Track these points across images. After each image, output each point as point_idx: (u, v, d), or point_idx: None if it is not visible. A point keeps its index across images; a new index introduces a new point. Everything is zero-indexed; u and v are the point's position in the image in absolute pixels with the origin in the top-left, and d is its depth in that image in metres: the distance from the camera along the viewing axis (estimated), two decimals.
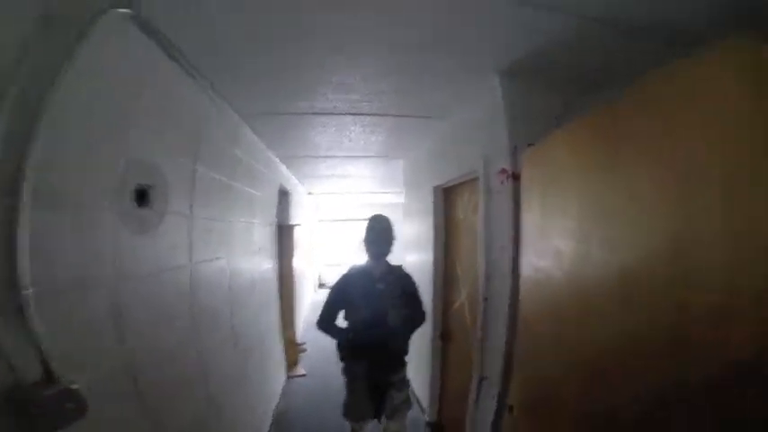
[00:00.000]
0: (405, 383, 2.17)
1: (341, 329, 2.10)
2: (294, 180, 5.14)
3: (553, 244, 1.33)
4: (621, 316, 0.99)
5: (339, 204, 9.20)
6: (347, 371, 2.14)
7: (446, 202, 2.90)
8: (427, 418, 3.12)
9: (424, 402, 3.22)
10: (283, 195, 4.09)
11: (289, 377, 4.15)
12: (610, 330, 1.04)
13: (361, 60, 1.64)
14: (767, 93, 0.67)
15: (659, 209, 0.87)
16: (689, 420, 0.81)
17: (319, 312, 2.13)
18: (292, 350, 4.34)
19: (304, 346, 4.79)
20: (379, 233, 2.13)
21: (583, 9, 1.23)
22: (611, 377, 1.04)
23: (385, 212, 2.29)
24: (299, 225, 5.14)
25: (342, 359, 2.14)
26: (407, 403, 2.16)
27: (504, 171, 1.76)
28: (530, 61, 1.61)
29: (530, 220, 1.54)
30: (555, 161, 1.37)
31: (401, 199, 4.34)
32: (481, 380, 1.99)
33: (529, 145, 1.60)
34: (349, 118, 2.44)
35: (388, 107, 2.24)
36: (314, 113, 2.34)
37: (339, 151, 3.49)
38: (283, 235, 4.03)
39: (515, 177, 1.68)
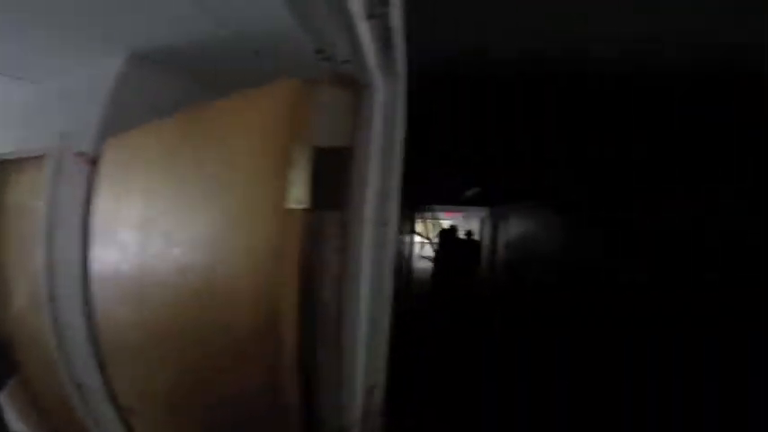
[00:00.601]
0: None
1: None
2: None
3: (124, 236, 1.32)
4: (177, 313, 1.14)
5: None
6: None
7: None
8: None
9: None
10: None
11: None
12: (170, 325, 1.17)
13: None
14: (299, 120, 0.94)
15: (201, 212, 1.09)
16: None
17: None
18: None
19: None
20: None
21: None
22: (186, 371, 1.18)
23: None
24: None
25: None
26: None
27: (81, 154, 1.56)
28: (162, 53, 1.56)
29: (104, 209, 1.45)
30: (135, 154, 1.37)
31: None
32: (79, 387, 1.67)
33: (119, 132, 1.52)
34: None
35: None
36: None
37: None
38: None
39: (93, 163, 1.53)
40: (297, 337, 0.99)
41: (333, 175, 0.91)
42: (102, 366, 1.60)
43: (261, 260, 0.94)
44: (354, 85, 0.93)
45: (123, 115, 1.61)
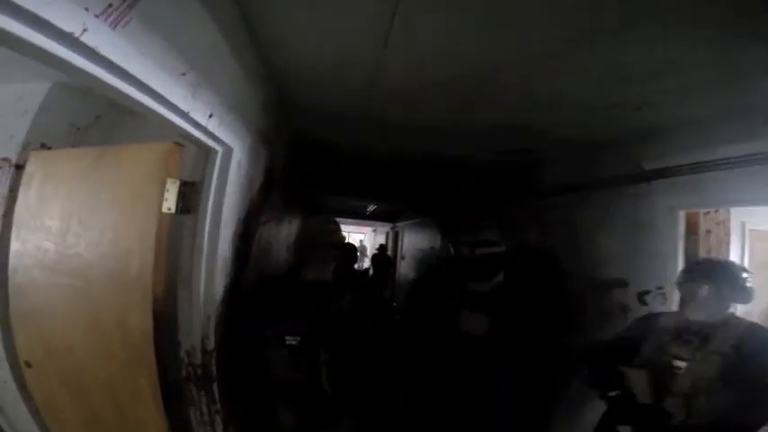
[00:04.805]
0: None
1: None
2: None
3: (43, 232, 1.86)
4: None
5: None
6: None
7: None
8: None
9: None
10: None
11: None
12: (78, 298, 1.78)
13: None
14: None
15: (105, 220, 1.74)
16: None
17: None
18: None
19: None
20: None
21: None
22: None
23: None
24: None
25: None
26: None
27: (5, 160, 2.06)
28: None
29: (26, 208, 1.97)
30: (57, 170, 1.92)
31: None
32: None
33: (42, 144, 2.06)
34: None
35: None
36: None
37: None
38: None
39: (18, 168, 2.03)
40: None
41: (190, 196, 1.67)
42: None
43: (147, 243, 1.63)
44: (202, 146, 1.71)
45: (46, 131, 2.12)
